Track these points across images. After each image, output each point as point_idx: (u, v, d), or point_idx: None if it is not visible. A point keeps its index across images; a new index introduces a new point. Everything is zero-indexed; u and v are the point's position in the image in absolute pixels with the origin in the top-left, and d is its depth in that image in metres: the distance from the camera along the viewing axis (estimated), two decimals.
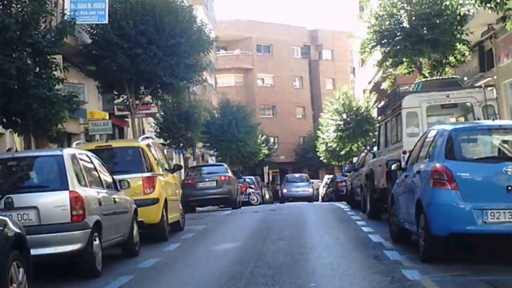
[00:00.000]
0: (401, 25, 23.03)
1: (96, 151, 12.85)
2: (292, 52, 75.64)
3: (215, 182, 26.74)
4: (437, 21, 22.26)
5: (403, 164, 11.91)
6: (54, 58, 14.43)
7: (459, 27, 22.48)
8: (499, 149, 10.19)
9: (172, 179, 15.81)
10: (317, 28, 79.61)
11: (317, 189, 52.71)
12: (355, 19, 29.26)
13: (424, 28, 22.49)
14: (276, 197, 51.10)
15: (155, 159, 14.66)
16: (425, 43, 22.42)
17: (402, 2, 23.02)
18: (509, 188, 9.01)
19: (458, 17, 22.13)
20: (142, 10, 23.44)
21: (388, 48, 23.52)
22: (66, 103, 14.05)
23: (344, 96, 46.47)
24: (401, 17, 23.04)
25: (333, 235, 13.73)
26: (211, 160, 47.25)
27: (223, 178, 26.95)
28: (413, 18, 22.68)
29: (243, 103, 56.52)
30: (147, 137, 15.97)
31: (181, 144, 34.80)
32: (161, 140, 33.19)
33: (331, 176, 48.44)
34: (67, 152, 10.12)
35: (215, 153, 49.07)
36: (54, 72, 14.24)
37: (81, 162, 10.36)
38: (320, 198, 49.49)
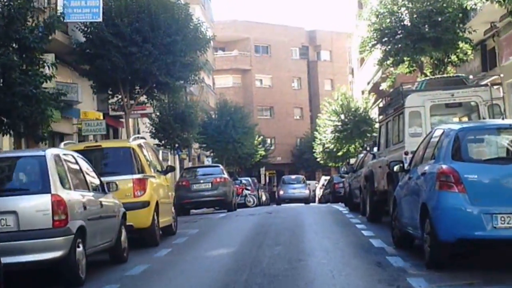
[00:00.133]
0: (402, 23, 22.58)
1: (85, 152, 12.44)
2: (291, 53, 75.53)
3: (210, 184, 26.25)
4: (439, 19, 21.80)
5: (406, 165, 11.43)
6: (42, 55, 13.96)
7: (461, 25, 21.98)
8: (508, 150, 9.78)
9: (165, 181, 15.30)
10: (315, 28, 79.67)
11: (314, 191, 52.56)
12: (354, 18, 28.85)
13: (426, 26, 22.04)
14: (273, 199, 50.96)
15: (147, 160, 14.16)
16: (426, 41, 21.95)
17: None
18: None
19: (460, 15, 21.70)
20: (137, 8, 23.06)
21: (389, 47, 23.07)
22: (53, 101, 13.55)
23: (342, 96, 46.18)
24: (402, 14, 22.60)
25: (332, 239, 13.24)
26: (207, 161, 46.90)
27: (218, 180, 26.46)
28: (415, 15, 22.21)
29: (241, 104, 56.43)
30: (139, 137, 15.42)
31: (177, 145, 34.34)
32: (156, 141, 32.77)
33: (328, 177, 48.20)
34: (50, 152, 9.51)
35: (212, 154, 48.79)
36: (42, 69, 13.75)
37: (65, 163, 9.76)
38: (316, 199, 49.46)
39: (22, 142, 19.64)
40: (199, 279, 9.49)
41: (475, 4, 14.54)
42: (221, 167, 29.40)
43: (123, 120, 27.51)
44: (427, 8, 22.00)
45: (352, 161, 41.42)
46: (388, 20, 22.66)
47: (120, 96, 24.89)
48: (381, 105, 19.23)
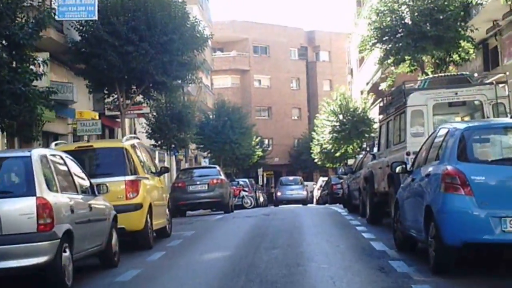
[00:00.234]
0: (403, 21, 22.23)
1: (76, 152, 12.10)
2: (289, 54, 75.24)
3: (206, 185, 25.82)
4: (441, 17, 21.45)
5: (408, 166, 11.00)
6: (33, 52, 13.53)
7: (463, 23, 21.58)
8: None
9: (159, 183, 14.88)
10: (314, 29, 79.38)
11: (312, 192, 52.20)
12: (353, 17, 28.48)
13: (427, 24, 21.68)
14: (271, 200, 50.60)
15: (140, 161, 13.73)
16: (428, 40, 21.60)
17: None
18: None
19: (462, 13, 21.31)
20: (133, 6, 22.69)
21: (390, 46, 22.69)
22: (43, 99, 13.10)
23: (341, 96, 45.83)
24: (403, 12, 22.27)
25: (332, 242, 12.81)
26: (204, 162, 46.51)
27: (215, 181, 26.04)
28: (416, 13, 21.86)
29: (239, 104, 56.17)
30: (132, 137, 14.98)
31: (174, 146, 33.90)
32: (153, 141, 32.34)
33: (325, 178, 47.84)
34: (36, 153, 9.04)
35: (209, 155, 48.37)
36: (32, 67, 13.30)
37: (52, 164, 9.30)
38: (314, 200, 49.16)
39: (15, 142, 19.22)
40: (193, 285, 9.05)
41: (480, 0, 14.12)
42: (218, 168, 28.98)
43: (119, 120, 27.13)
44: (428, 6, 21.67)
45: (350, 162, 41.14)
46: (388, 18, 22.31)
47: (116, 96, 24.55)
48: (381, 104, 18.81)
